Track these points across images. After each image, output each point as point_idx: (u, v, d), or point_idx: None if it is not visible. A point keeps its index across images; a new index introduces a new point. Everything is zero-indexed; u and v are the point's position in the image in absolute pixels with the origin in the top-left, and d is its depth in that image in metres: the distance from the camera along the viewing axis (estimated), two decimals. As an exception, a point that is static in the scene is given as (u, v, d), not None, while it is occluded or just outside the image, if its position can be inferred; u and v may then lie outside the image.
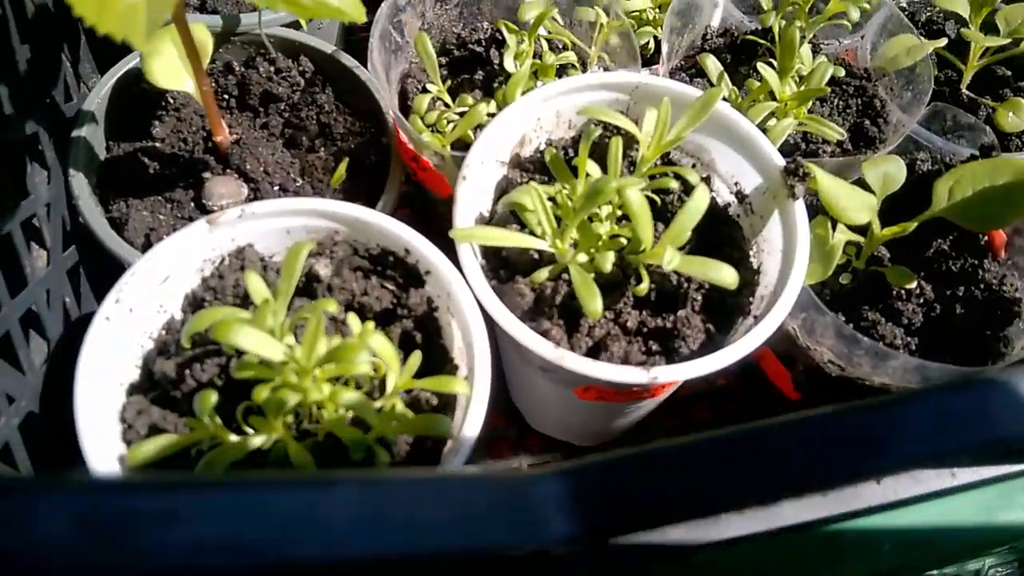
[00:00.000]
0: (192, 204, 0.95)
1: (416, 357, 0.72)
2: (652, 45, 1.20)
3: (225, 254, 0.81)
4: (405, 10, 1.01)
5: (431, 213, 1.05)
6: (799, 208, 0.83)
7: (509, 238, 0.79)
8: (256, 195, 0.96)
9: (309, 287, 0.82)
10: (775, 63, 1.03)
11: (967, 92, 1.16)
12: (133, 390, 0.76)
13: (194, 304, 0.80)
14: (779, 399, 1.06)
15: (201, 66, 0.84)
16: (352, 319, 0.74)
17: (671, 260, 0.74)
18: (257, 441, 0.69)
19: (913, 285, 0.91)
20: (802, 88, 0.96)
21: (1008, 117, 1.12)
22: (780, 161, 0.85)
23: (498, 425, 1.19)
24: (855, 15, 0.97)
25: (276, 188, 0.97)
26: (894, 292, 0.93)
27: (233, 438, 0.70)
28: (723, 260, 0.90)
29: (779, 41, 1.00)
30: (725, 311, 0.85)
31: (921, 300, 0.93)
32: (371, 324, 0.76)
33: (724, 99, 1.01)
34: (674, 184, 0.83)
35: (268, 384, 0.67)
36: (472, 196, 0.84)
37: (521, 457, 1.16)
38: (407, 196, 1.05)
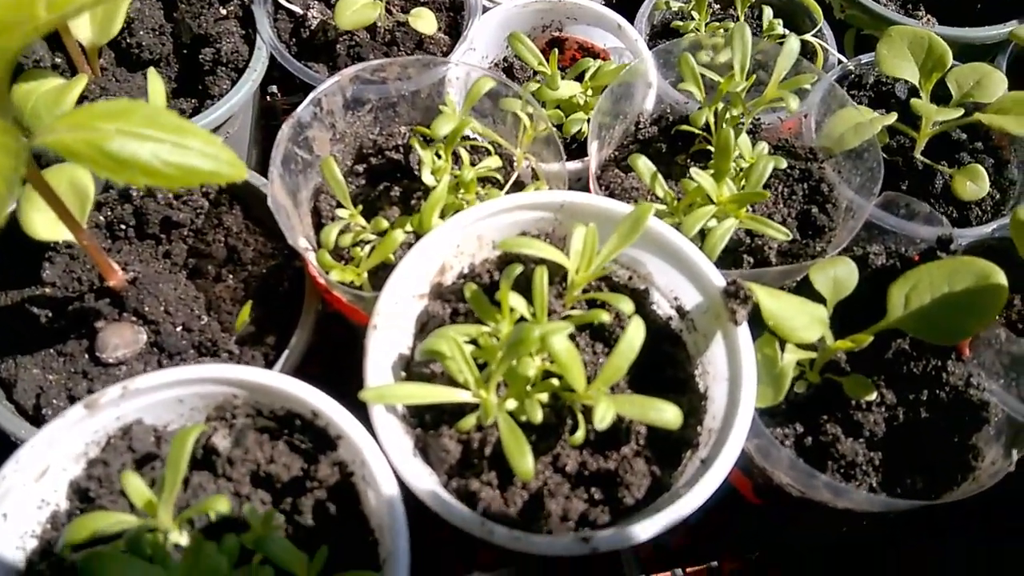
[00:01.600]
0: (86, 356, 0.86)
1: (321, 556, 0.64)
2: (586, 130, 1.14)
3: (110, 434, 0.72)
4: (311, 126, 0.93)
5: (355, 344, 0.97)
6: (743, 334, 0.76)
7: (427, 394, 0.71)
8: (156, 338, 0.87)
9: (208, 460, 0.74)
10: (712, 151, 0.96)
11: (922, 158, 1.10)
12: (13, 601, 0.68)
13: (79, 493, 0.72)
14: (742, 504, 0.99)
15: (76, 221, 0.76)
16: (250, 512, 0.66)
17: (603, 417, 0.67)
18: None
19: (872, 396, 0.84)
20: (741, 188, 0.89)
21: (966, 185, 1.06)
22: (720, 281, 0.78)
23: (450, 536, 1.12)
24: (794, 104, 0.91)
25: (179, 328, 0.88)
26: (853, 402, 0.86)
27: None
28: (666, 382, 0.84)
29: (714, 134, 0.93)
30: (671, 444, 0.78)
31: (883, 408, 0.86)
32: (271, 517, 0.68)
33: (659, 200, 0.94)
34: (605, 317, 0.75)
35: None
36: (386, 343, 0.77)
37: (474, 574, 1.08)
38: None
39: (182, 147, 0.63)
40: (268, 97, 1.42)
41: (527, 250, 0.77)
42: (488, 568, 1.10)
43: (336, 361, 0.95)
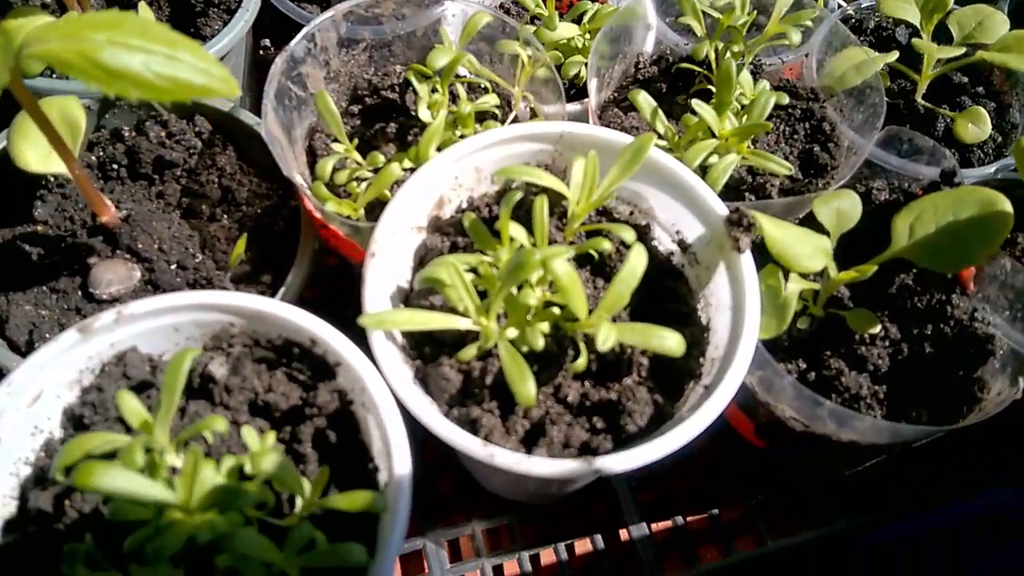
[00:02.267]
0: (79, 293, 0.85)
1: (323, 475, 0.63)
2: (584, 74, 1.12)
3: (104, 361, 0.71)
4: (305, 61, 0.92)
5: (353, 277, 0.95)
6: (746, 261, 0.75)
7: (426, 320, 0.70)
8: (151, 276, 0.86)
9: (205, 388, 0.72)
10: (713, 91, 0.95)
11: (923, 102, 1.09)
12: (9, 527, 0.66)
13: (73, 420, 0.70)
14: (744, 446, 0.98)
15: (68, 149, 0.74)
16: (247, 432, 0.65)
17: (606, 339, 0.66)
18: (141, 591, 0.60)
19: (876, 329, 0.83)
20: (743, 123, 0.88)
21: (968, 128, 1.05)
22: (722, 210, 0.77)
23: (450, 487, 1.11)
24: (796, 37, 0.89)
25: (173, 266, 0.87)
26: (856, 336, 0.85)
27: (116, 586, 0.61)
28: (668, 316, 0.83)
29: (715, 70, 0.92)
30: (673, 375, 0.77)
31: (887, 343, 0.85)
32: (270, 438, 0.67)
33: (660, 136, 0.93)
34: (606, 245, 0.75)
35: (146, 528, 0.58)
36: (385, 272, 0.76)
37: (474, 523, 1.08)
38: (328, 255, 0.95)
39: (174, 59, 0.61)
40: (261, 51, 1.40)
41: (527, 177, 0.76)
42: (489, 516, 1.09)
43: (332, 301, 0.94)
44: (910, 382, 0.84)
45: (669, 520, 1.11)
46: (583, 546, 1.09)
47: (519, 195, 0.75)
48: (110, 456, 0.63)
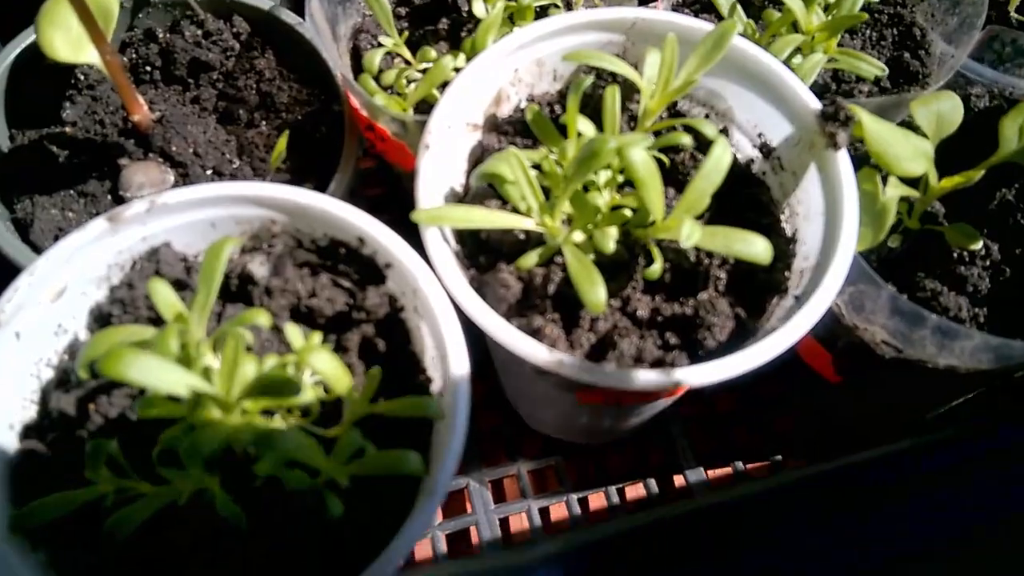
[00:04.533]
0: (108, 197, 0.79)
1: (374, 378, 0.57)
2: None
3: (135, 257, 0.65)
4: (352, -51, 0.85)
5: (397, 190, 0.89)
6: (843, 160, 0.67)
7: (486, 218, 0.63)
8: (184, 181, 0.80)
9: (244, 291, 0.66)
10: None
11: (1016, 15, 1.00)
12: (29, 432, 0.61)
13: (101, 320, 0.65)
14: (817, 382, 0.91)
15: (101, 32, 0.68)
16: (291, 329, 0.59)
17: (690, 235, 0.59)
18: (173, 493, 0.54)
19: (978, 245, 0.75)
20: (832, 16, 0.79)
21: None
22: (815, 104, 0.69)
23: (493, 426, 1.05)
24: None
25: (209, 172, 0.81)
26: (955, 255, 0.77)
27: (145, 489, 0.55)
28: (749, 227, 0.74)
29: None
30: (756, 290, 0.70)
31: (987, 262, 0.77)
32: (316, 337, 0.61)
33: (739, 34, 0.85)
34: (686, 140, 0.67)
35: (179, 425, 0.52)
36: (439, 169, 0.69)
37: (519, 463, 1.01)
38: (373, 173, 0.88)
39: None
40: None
41: (597, 62, 0.69)
42: (534, 456, 1.03)
43: (376, 211, 0.87)
44: (1014, 306, 0.76)
45: (728, 466, 1.04)
46: (635, 491, 1.03)
47: (589, 80, 0.68)
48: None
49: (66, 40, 0.75)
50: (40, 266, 0.60)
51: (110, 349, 0.48)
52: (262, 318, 0.57)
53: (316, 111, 0.86)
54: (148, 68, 0.88)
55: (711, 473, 1.02)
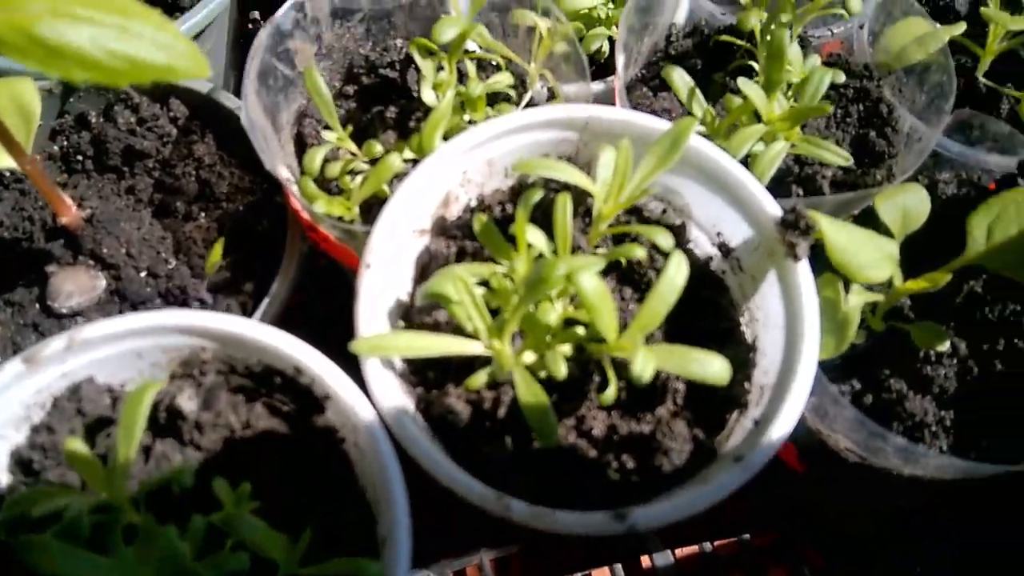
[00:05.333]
0: (36, 306, 0.75)
1: (304, 540, 0.53)
2: (606, 49, 1.00)
3: (56, 395, 0.61)
4: (293, 35, 0.80)
5: (347, 283, 0.85)
6: (803, 271, 0.64)
7: (430, 346, 0.60)
8: (117, 285, 0.76)
9: (173, 425, 0.62)
10: (757, 67, 0.84)
11: (985, 81, 0.97)
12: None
13: (22, 465, 0.60)
14: (783, 467, 0.88)
15: (18, 144, 0.64)
16: (220, 488, 0.55)
17: (643, 369, 0.55)
18: None
19: (945, 346, 0.73)
20: (794, 104, 0.76)
21: (1035, 109, 0.93)
22: (775, 210, 0.66)
23: (453, 511, 1.01)
24: (856, 5, 0.78)
25: (143, 274, 0.77)
26: (921, 354, 0.74)
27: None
28: (706, 332, 0.72)
29: (761, 42, 0.80)
30: (715, 404, 0.67)
31: (954, 360, 0.75)
32: (245, 490, 0.57)
33: (699, 122, 0.82)
34: (639, 253, 0.64)
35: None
36: (382, 285, 0.65)
37: (482, 553, 0.98)
38: (323, 270, 0.84)
39: (128, 33, 0.51)
40: (250, 24, 1.28)
41: (547, 172, 0.65)
42: (498, 543, 0.99)
43: (323, 313, 0.83)
44: (981, 407, 0.74)
45: (695, 545, 1.01)
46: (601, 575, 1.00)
47: (539, 194, 0.64)
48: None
49: (-15, 147, 0.70)
50: (-51, 417, 0.56)
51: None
52: (186, 479, 0.53)
53: (258, 201, 0.82)
54: (80, 157, 0.83)
55: (679, 553, 0.99)
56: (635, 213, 0.75)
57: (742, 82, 0.73)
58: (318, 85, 0.74)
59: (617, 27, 0.88)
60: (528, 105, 0.86)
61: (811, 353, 0.62)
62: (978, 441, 0.73)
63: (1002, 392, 0.74)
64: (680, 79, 0.78)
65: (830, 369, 0.77)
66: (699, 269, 0.74)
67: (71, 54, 0.49)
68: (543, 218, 0.67)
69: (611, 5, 0.97)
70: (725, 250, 0.72)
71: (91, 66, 0.49)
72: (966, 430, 0.73)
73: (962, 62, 1.00)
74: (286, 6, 0.79)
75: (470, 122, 0.79)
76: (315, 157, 0.75)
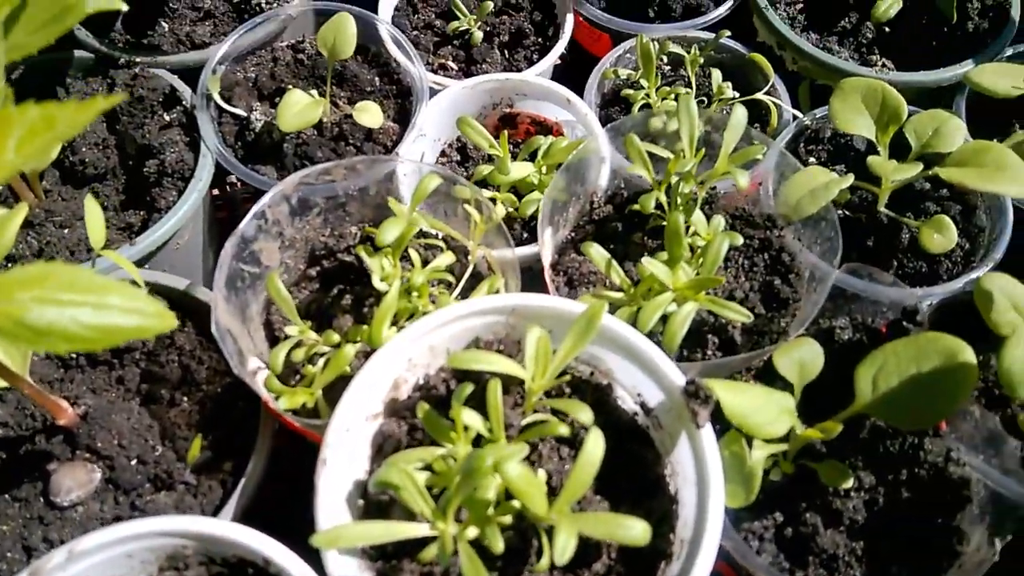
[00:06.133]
0: (40, 500, 0.84)
1: None
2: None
3: (57, 601, 0.70)
4: (256, 239, 0.91)
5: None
6: (706, 436, 0.74)
7: (381, 533, 0.69)
8: (111, 474, 0.85)
9: (162, 616, 0.71)
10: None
11: (886, 211, 1.08)
12: None
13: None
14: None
15: (15, 375, 0.74)
16: None
17: (564, 549, 0.64)
18: None
19: (849, 483, 0.82)
20: (699, 272, 0.87)
21: (933, 238, 1.03)
22: (679, 380, 0.76)
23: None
24: (743, 181, 0.89)
25: (134, 462, 0.86)
26: (831, 488, 0.83)
27: None
28: (634, 485, 0.81)
29: (668, 214, 0.91)
30: (645, 557, 0.75)
31: (862, 492, 0.83)
32: None
33: (615, 287, 0.92)
34: (562, 430, 0.73)
35: None
36: (339, 475, 0.74)
37: None
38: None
39: (103, 307, 0.60)
40: (228, 187, 1.40)
41: (478, 365, 0.75)
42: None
43: (298, 484, 0.92)
44: (888, 534, 0.82)
45: None
46: None
47: (470, 388, 0.74)
48: None
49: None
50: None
51: None
52: None
53: (234, 383, 0.92)
54: (73, 355, 0.93)
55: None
56: (567, 374, 0.85)
57: (645, 261, 0.84)
58: (279, 290, 0.84)
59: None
60: (472, 274, 0.96)
61: (717, 512, 0.70)
62: (888, 567, 0.81)
63: (906, 520, 0.82)
64: (598, 254, 0.89)
65: (754, 507, 0.85)
66: (627, 424, 0.83)
67: (56, 333, 0.58)
68: (481, 397, 0.77)
69: (543, 171, 1.09)
70: (646, 409, 0.81)
71: (72, 339, 0.58)
72: (877, 558, 0.81)
73: (864, 197, 1.11)
74: (248, 217, 0.90)
75: (417, 304, 0.89)
76: (279, 355, 0.85)
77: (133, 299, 0.62)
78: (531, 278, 0.99)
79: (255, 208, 0.91)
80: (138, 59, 1.17)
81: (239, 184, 1.41)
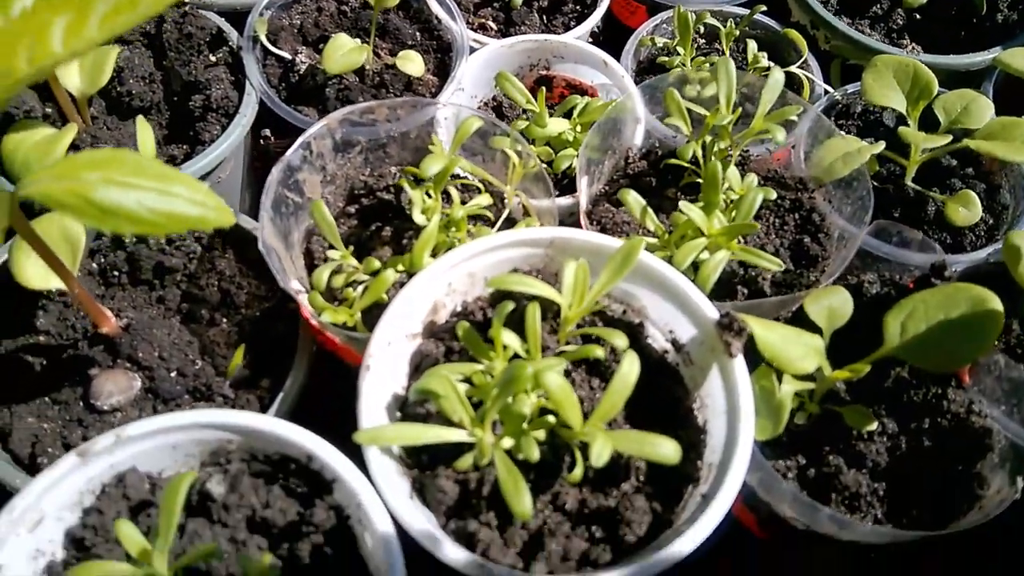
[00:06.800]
0: (80, 404, 0.86)
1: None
2: (575, 166, 1.14)
3: (104, 483, 0.72)
4: (301, 169, 0.94)
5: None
6: (739, 366, 0.76)
7: (421, 434, 0.71)
8: (151, 384, 0.87)
9: (203, 506, 0.73)
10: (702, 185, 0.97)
11: (913, 185, 1.11)
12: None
13: (75, 543, 0.71)
14: (747, 535, 0.98)
15: (68, 270, 0.76)
16: (244, 562, 0.65)
17: (600, 455, 0.66)
18: None
19: (873, 426, 0.84)
20: (732, 219, 0.89)
21: (959, 211, 1.06)
22: (713, 314, 0.78)
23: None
24: (781, 136, 0.91)
25: (173, 374, 0.88)
26: (854, 432, 0.85)
27: None
28: (664, 417, 0.83)
29: (703, 167, 0.93)
30: (672, 480, 0.77)
31: (885, 438, 0.85)
32: (266, 560, 0.67)
33: (651, 234, 0.94)
34: (599, 352, 0.76)
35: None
36: (380, 383, 0.76)
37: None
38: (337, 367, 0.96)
39: (168, 194, 0.63)
40: (262, 140, 1.42)
41: (518, 287, 0.77)
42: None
43: (332, 401, 0.94)
44: (910, 478, 0.84)
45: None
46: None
47: (511, 305, 0.76)
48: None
49: (35, 269, 0.83)
50: (18, 503, 0.66)
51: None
52: (215, 556, 0.63)
53: (273, 307, 0.94)
54: (116, 273, 0.95)
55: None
56: (599, 314, 0.87)
57: (683, 205, 0.86)
58: (324, 215, 0.86)
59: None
60: (506, 220, 0.98)
61: (747, 437, 0.73)
62: (908, 509, 0.83)
63: (927, 466, 0.84)
64: (634, 200, 0.91)
65: (779, 447, 0.87)
66: (657, 361, 0.85)
67: (122, 214, 0.60)
68: (518, 321, 0.79)
69: (578, 129, 1.11)
70: (677, 346, 0.83)
71: (138, 222, 0.61)
72: (897, 499, 0.83)
73: (892, 170, 1.13)
74: (295, 146, 0.92)
75: (455, 239, 0.91)
76: (322, 275, 0.87)
77: (197, 191, 0.64)
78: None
79: (301, 139, 0.93)
80: (187, -1, 1.21)
81: (272, 138, 1.44)
